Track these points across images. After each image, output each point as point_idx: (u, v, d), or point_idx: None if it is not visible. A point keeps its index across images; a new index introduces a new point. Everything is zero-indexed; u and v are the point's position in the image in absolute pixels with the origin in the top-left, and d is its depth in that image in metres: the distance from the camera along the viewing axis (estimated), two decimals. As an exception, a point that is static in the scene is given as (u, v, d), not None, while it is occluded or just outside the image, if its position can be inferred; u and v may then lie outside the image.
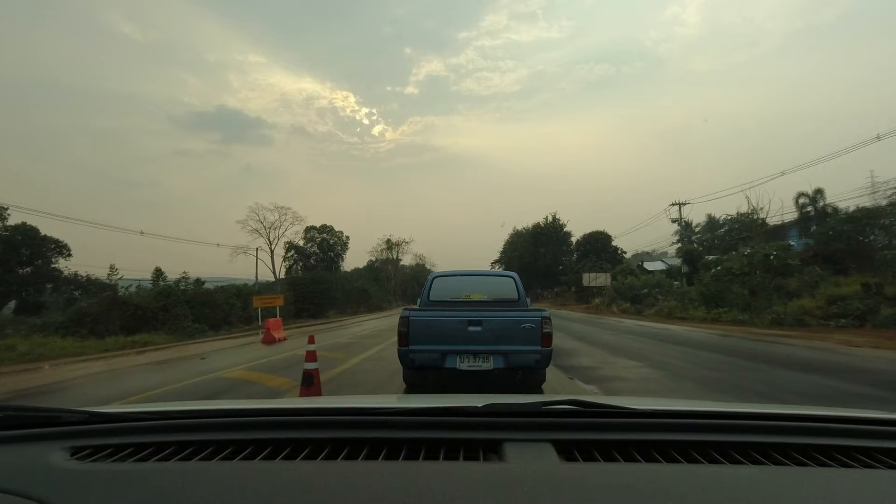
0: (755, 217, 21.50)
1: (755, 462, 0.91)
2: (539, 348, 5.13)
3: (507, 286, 6.69)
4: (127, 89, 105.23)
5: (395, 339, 5.52)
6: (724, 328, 17.31)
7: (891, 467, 0.89)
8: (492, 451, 0.95)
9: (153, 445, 1.01)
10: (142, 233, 28.27)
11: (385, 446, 0.97)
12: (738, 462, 0.91)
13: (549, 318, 5.24)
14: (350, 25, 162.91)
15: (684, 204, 36.21)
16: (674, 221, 36.24)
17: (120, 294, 22.31)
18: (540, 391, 5.55)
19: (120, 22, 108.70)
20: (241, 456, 0.96)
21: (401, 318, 5.36)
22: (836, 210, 26.08)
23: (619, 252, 47.54)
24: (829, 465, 0.90)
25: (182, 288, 24.32)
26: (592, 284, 26.59)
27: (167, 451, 0.99)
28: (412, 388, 5.83)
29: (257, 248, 42.74)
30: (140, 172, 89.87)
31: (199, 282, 25.60)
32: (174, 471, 0.89)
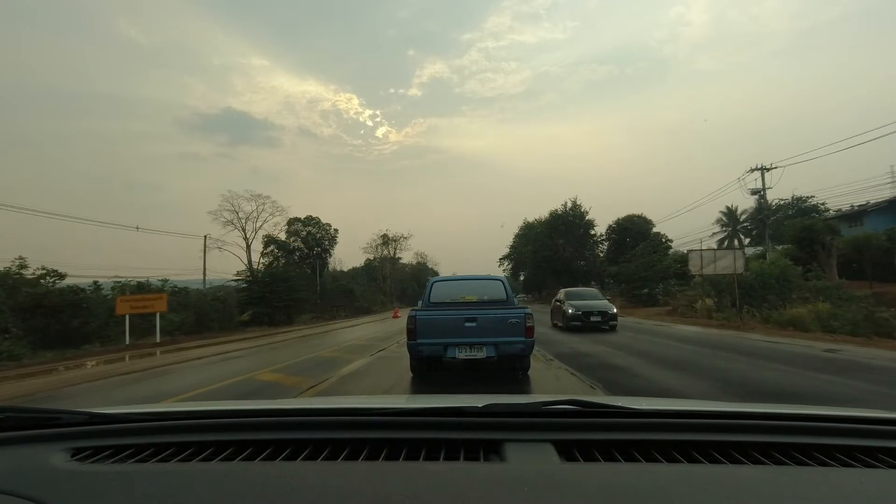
0: None
1: (756, 462, 0.90)
2: (524, 339, 6.22)
3: (497, 288, 7.70)
4: (133, 93, 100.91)
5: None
6: None
7: (892, 467, 0.87)
8: (492, 451, 0.94)
9: (153, 446, 1.00)
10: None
11: (385, 447, 0.96)
12: (739, 462, 0.89)
13: (531, 315, 6.32)
14: (353, 28, 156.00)
15: (769, 169, 26.73)
16: (753, 193, 26.98)
17: None
18: (527, 378, 6.62)
19: (126, 27, 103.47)
20: (241, 457, 0.95)
21: (409, 317, 6.46)
22: None
23: (665, 240, 38.10)
24: (831, 465, 0.88)
25: (12, 284, 15.22)
26: (707, 272, 15.59)
27: (167, 452, 0.98)
28: (418, 375, 6.94)
29: (206, 236, 33.66)
30: (146, 175, 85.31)
31: (52, 276, 16.46)
32: (174, 472, 0.89)
